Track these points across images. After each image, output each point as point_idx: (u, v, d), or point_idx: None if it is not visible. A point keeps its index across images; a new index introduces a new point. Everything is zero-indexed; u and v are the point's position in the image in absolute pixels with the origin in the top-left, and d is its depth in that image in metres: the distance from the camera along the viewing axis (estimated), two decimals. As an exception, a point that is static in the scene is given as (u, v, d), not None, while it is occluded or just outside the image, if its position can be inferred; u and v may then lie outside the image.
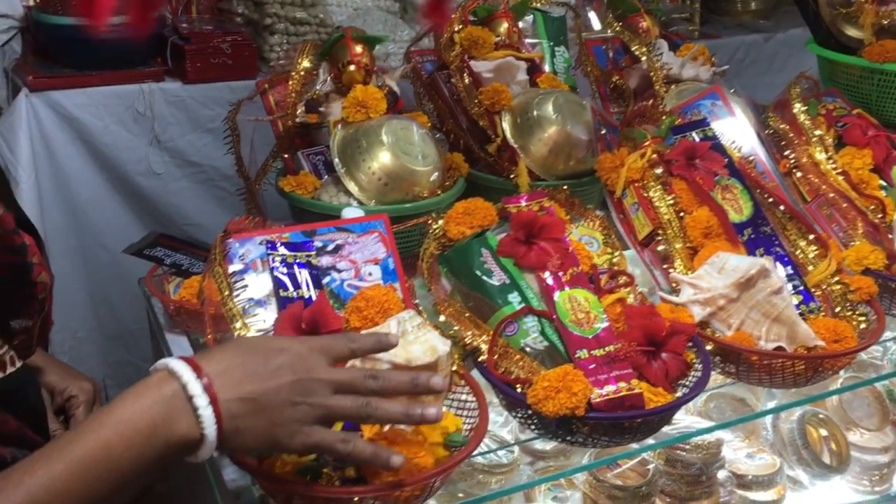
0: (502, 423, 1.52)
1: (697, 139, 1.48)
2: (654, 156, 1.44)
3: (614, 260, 1.32)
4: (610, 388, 1.09)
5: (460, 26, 1.61)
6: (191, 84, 2.34)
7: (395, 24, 2.47)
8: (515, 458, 1.46)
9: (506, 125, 1.54)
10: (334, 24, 2.41)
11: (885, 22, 1.76)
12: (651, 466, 1.37)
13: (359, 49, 1.45)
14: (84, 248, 2.35)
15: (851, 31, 1.83)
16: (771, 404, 1.56)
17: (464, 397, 1.13)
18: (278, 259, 1.17)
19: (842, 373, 1.59)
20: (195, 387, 0.76)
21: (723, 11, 3.37)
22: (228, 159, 2.39)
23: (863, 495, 1.59)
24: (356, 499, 0.95)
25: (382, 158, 1.39)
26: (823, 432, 1.57)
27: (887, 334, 1.50)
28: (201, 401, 0.76)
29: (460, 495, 1.40)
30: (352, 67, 1.45)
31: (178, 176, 2.40)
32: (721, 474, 1.44)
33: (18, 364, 0.85)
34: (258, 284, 1.15)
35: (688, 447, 1.40)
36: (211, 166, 2.42)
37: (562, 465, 1.48)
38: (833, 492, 1.57)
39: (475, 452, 1.05)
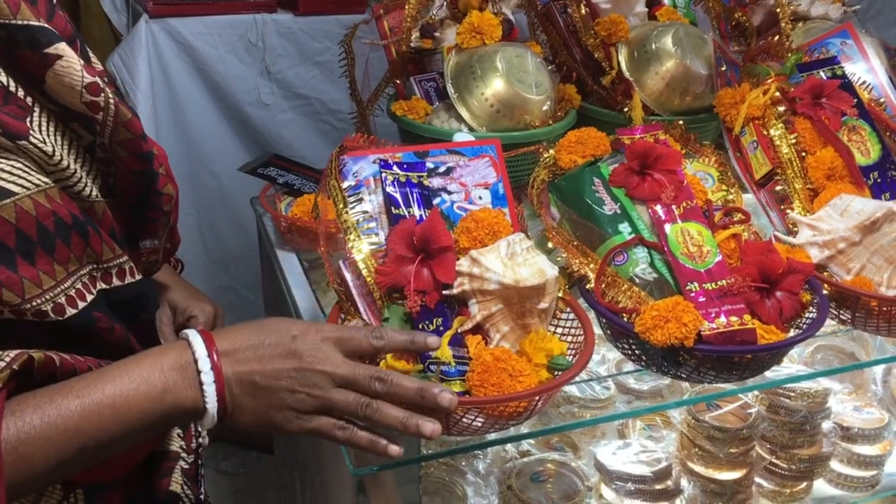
0: (599, 361, 1.52)
1: (825, 77, 1.41)
2: (777, 93, 1.39)
3: (730, 197, 1.28)
4: (721, 321, 1.07)
5: (578, -44, 1.57)
6: (301, 16, 2.37)
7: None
8: (611, 394, 1.45)
9: (622, 57, 1.50)
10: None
11: None
12: (753, 411, 1.34)
13: (476, -26, 1.43)
14: (194, 173, 2.44)
15: None
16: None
17: (569, 324, 1.13)
18: (391, 177, 1.18)
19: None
20: (204, 363, 0.79)
21: (851, -43, 3.17)
22: (334, 93, 2.45)
23: (976, 459, 1.53)
24: (460, 410, 0.97)
25: (496, 85, 1.38)
26: (938, 391, 1.51)
27: None
28: (207, 377, 0.79)
29: (553, 425, 1.41)
30: (468, -7, 1.43)
31: (284, 107, 2.46)
32: (825, 425, 1.40)
33: (138, 276, 0.87)
34: (369, 202, 1.17)
35: (793, 394, 1.36)
36: (317, 99, 2.47)
37: (658, 406, 1.47)
38: (944, 453, 1.51)
39: (573, 381, 1.05)
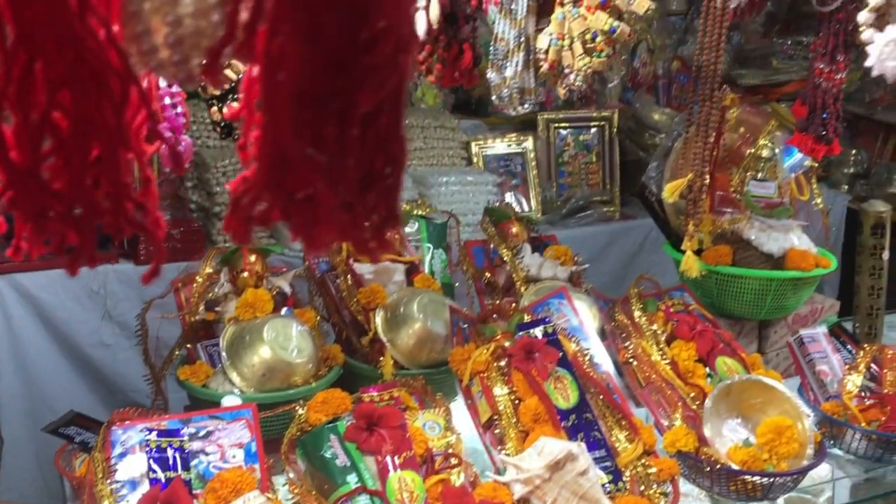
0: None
1: (539, 335, 1.73)
2: (500, 350, 1.70)
3: (451, 443, 1.55)
4: (417, 560, 1.30)
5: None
6: (142, 265, 2.64)
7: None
8: None
9: (379, 320, 1.81)
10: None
11: (719, 230, 2.06)
12: None
13: (252, 258, 1.74)
14: (35, 412, 2.58)
15: (696, 235, 2.12)
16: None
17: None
18: (154, 444, 1.40)
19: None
20: None
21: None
22: (175, 333, 2.68)
23: None
24: None
25: (262, 353, 1.64)
26: None
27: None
28: None
29: None
30: (245, 274, 1.73)
31: (126, 346, 2.66)
32: None
33: None
34: (136, 466, 1.38)
35: None
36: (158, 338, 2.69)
37: None
38: None
39: None
